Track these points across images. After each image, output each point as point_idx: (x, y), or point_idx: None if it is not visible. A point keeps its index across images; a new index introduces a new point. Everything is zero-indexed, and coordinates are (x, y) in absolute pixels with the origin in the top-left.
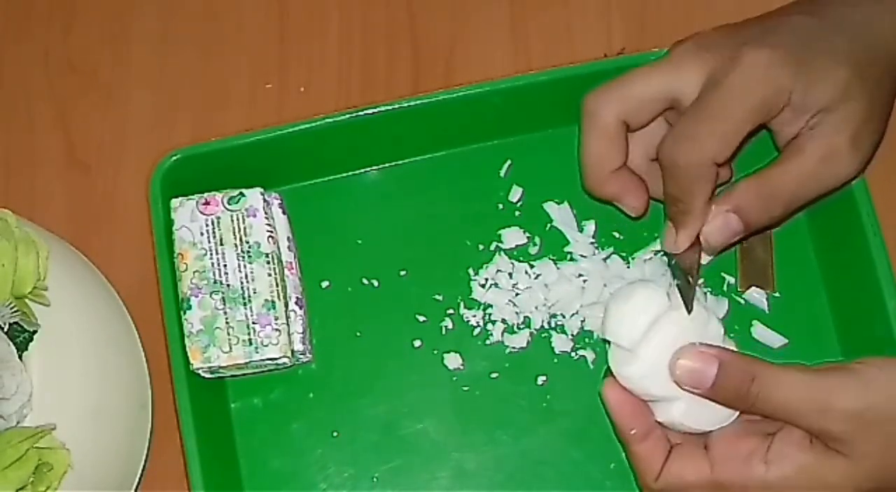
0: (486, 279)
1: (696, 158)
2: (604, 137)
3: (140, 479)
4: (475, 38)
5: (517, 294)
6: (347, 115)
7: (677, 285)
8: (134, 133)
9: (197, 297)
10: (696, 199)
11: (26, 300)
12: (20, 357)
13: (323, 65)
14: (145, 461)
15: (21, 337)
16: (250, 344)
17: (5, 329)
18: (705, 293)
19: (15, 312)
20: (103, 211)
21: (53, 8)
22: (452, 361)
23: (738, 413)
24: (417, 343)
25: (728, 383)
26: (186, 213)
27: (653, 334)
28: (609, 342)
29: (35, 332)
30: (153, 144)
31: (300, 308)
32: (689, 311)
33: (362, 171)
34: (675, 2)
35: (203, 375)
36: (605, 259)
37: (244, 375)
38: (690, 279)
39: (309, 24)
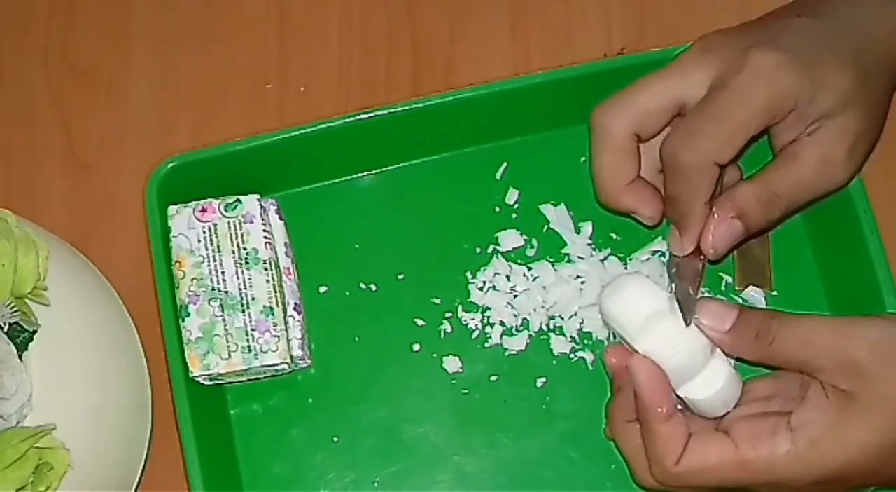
0: (484, 282)
1: (699, 157)
2: (616, 152)
3: (140, 479)
4: (475, 38)
5: (515, 296)
6: (342, 121)
7: (676, 296)
8: (134, 133)
9: (195, 304)
10: (697, 200)
11: (26, 300)
12: (20, 357)
13: (323, 65)
14: (145, 462)
15: (21, 337)
16: (249, 351)
17: (5, 329)
18: (703, 293)
19: (15, 312)
20: (103, 211)
21: (53, 8)
22: (452, 364)
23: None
24: (416, 347)
25: (749, 321)
26: (183, 220)
27: (663, 316)
28: (627, 342)
29: (35, 332)
30: (153, 144)
31: (299, 314)
32: (688, 322)
33: (358, 175)
34: (675, 2)
35: (202, 382)
36: (602, 260)
37: (243, 381)
38: (691, 290)
39: (309, 24)
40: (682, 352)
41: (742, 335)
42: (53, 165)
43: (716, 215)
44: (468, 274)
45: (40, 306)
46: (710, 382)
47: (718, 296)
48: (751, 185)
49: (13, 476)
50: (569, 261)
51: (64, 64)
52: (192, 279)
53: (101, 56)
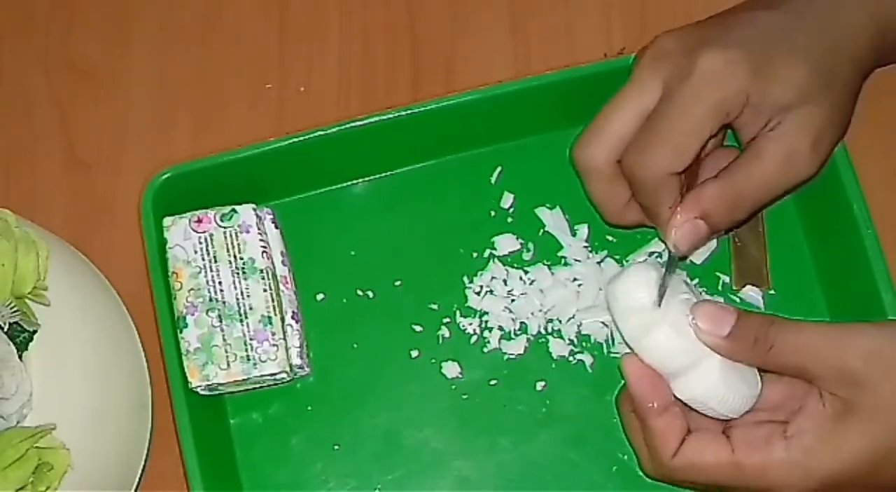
0: (482, 287)
1: (653, 172)
2: (605, 183)
3: (140, 479)
4: (475, 38)
5: (513, 300)
6: (336, 128)
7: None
8: (134, 133)
9: (193, 315)
10: (661, 206)
11: (26, 300)
12: (20, 357)
13: (323, 65)
14: (145, 462)
15: (21, 337)
16: (248, 360)
17: (5, 329)
18: (700, 293)
19: (15, 312)
20: (103, 211)
21: (53, 8)
22: (451, 369)
23: (754, 399)
24: (415, 353)
25: (747, 328)
26: (179, 231)
27: (666, 298)
28: (620, 331)
29: (35, 332)
30: (153, 145)
31: (296, 322)
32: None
33: (353, 182)
34: (675, 1)
35: (202, 392)
36: (599, 263)
37: (242, 391)
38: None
39: (309, 24)
40: (660, 344)
41: (740, 341)
42: (53, 165)
43: (678, 216)
44: (465, 279)
45: (40, 306)
46: (698, 381)
47: (716, 296)
48: (717, 185)
49: (13, 476)
50: (565, 264)
51: (64, 64)
52: (190, 290)
53: (101, 56)
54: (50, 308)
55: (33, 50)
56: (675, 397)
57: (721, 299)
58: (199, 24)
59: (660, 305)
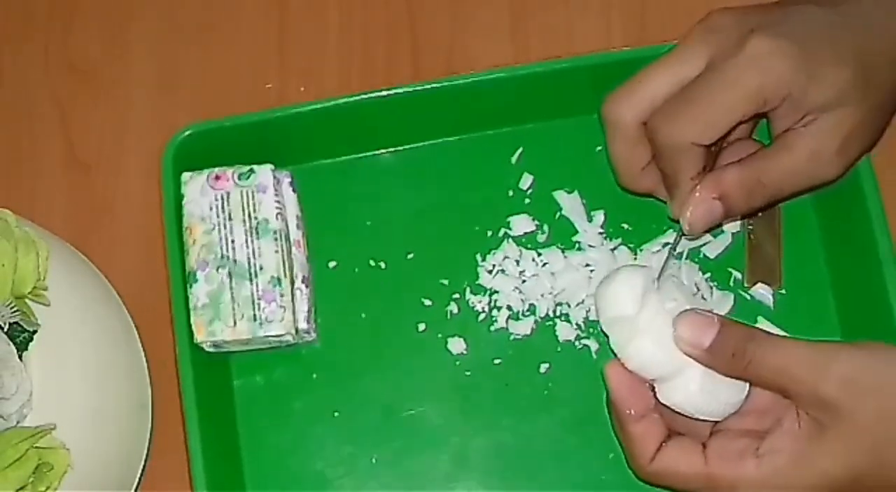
0: (494, 265)
1: (677, 139)
2: (628, 142)
3: (140, 479)
4: (475, 38)
5: (524, 281)
6: (361, 97)
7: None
8: (134, 133)
9: (203, 271)
10: (681, 174)
11: (26, 300)
12: (20, 357)
13: (323, 64)
14: (145, 461)
15: (21, 337)
16: (255, 320)
17: (5, 329)
18: (711, 287)
19: (15, 312)
20: (103, 211)
21: (53, 8)
22: (456, 345)
23: (739, 403)
24: (422, 327)
25: (726, 342)
26: (196, 187)
27: (649, 302)
28: (608, 336)
29: (35, 332)
30: (153, 144)
31: (306, 287)
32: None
33: (374, 153)
34: (676, 2)
35: (207, 348)
36: (612, 250)
37: (247, 351)
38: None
39: (309, 24)
40: (642, 353)
41: (718, 355)
42: (53, 165)
43: (697, 194)
44: (478, 256)
45: (40, 306)
46: (679, 389)
47: (726, 291)
48: (739, 169)
49: (13, 476)
50: (579, 249)
51: (64, 64)
52: (202, 246)
53: (101, 56)
54: (50, 308)
55: (33, 50)
56: (660, 401)
57: (731, 295)
58: (200, 24)
59: (649, 308)
